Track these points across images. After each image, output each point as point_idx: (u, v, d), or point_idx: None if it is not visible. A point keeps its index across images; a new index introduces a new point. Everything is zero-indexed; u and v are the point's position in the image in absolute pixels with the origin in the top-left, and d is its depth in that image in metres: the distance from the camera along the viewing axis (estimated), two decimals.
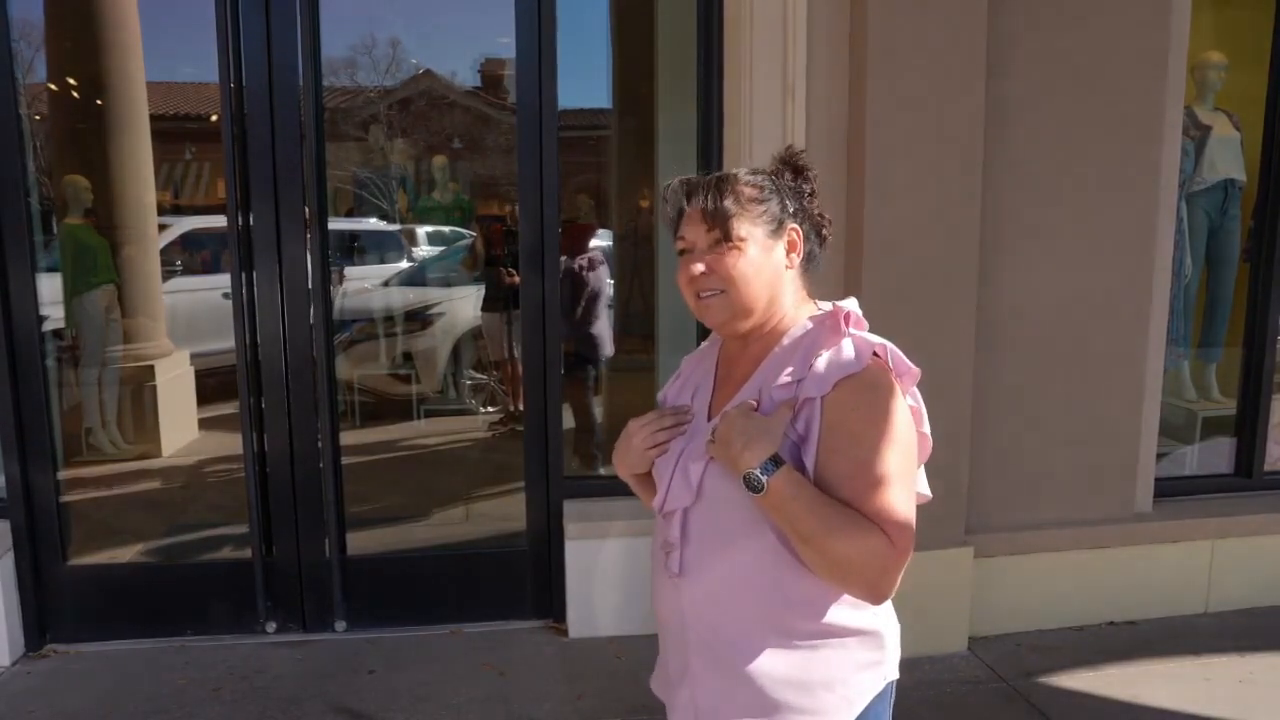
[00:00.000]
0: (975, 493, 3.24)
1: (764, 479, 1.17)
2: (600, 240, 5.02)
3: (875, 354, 1.23)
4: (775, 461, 1.18)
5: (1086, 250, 3.29)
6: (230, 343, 3.19)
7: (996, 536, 3.29)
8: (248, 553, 3.27)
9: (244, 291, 3.15)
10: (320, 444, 3.27)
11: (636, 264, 4.84)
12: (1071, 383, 3.35)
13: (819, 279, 1.37)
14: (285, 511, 3.30)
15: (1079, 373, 3.35)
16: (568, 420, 3.42)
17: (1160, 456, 3.59)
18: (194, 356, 4.91)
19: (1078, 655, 3.19)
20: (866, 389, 1.20)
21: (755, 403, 1.26)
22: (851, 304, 1.30)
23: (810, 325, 1.29)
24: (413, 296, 5.94)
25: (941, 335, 3.07)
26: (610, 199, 5.30)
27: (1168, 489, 3.61)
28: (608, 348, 4.58)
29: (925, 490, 1.35)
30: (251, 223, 3.15)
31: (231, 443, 3.41)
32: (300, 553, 3.31)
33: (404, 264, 6.64)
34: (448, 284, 6.01)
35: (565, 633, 3.34)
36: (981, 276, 3.14)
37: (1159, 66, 3.25)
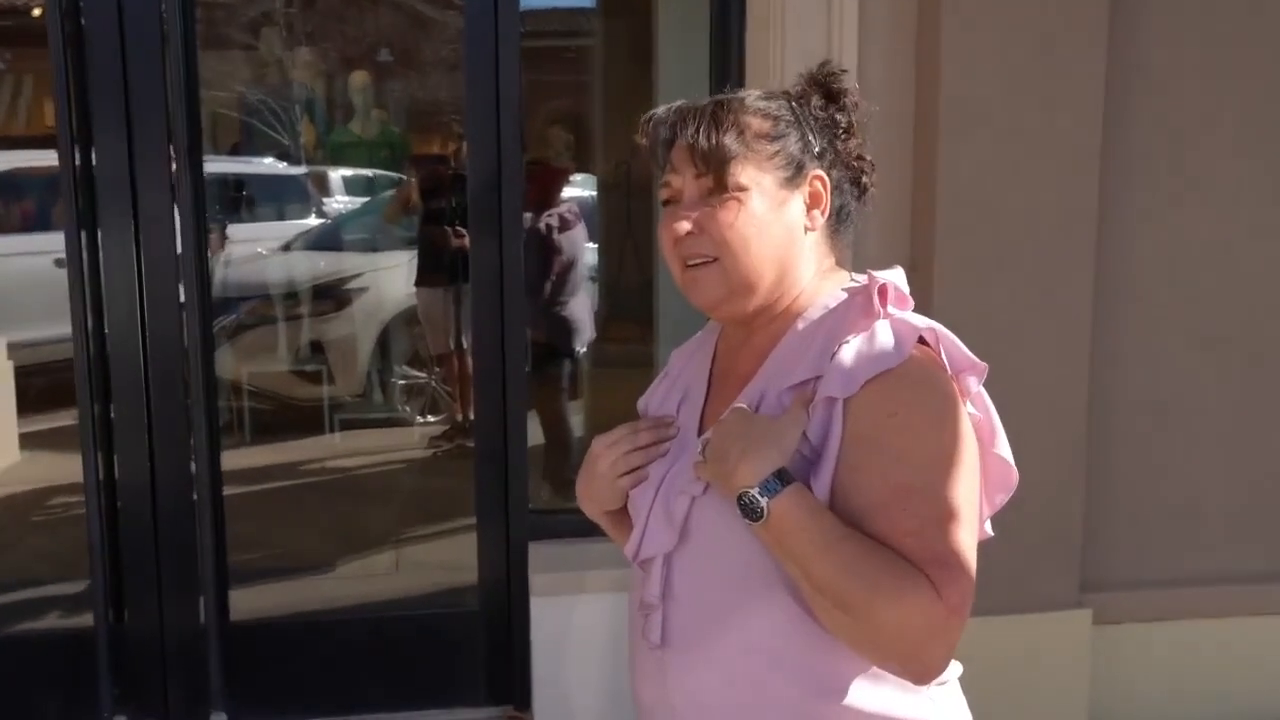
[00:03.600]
0: (1093, 537, 3.24)
1: (763, 501, 1.15)
2: (578, 190, 5.09)
3: (922, 340, 1.23)
4: (781, 478, 1.16)
5: (1258, 192, 3.24)
6: (66, 328, 3.14)
7: (1124, 595, 3.30)
8: (89, 619, 3.21)
9: (84, 257, 3.09)
10: (194, 468, 3.23)
11: (629, 222, 4.88)
12: (1232, 386, 3.32)
13: (859, 243, 1.36)
14: (143, 562, 3.24)
15: (1244, 372, 3.32)
16: (534, 434, 3.42)
17: None
18: (12, 347, 4.90)
19: None
20: (909, 388, 1.20)
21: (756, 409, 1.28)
22: (894, 275, 1.29)
23: (834, 304, 1.30)
24: (324, 266, 6.11)
25: (1046, 321, 3.06)
26: (593, 133, 5.34)
27: None
28: (587, 334, 4.67)
29: (986, 528, 1.33)
30: (94, 161, 3.10)
31: (67, 467, 3.39)
32: (163, 618, 3.26)
33: (311, 221, 6.74)
34: (372, 248, 6.12)
35: None
36: (1102, 233, 3.10)
37: None
